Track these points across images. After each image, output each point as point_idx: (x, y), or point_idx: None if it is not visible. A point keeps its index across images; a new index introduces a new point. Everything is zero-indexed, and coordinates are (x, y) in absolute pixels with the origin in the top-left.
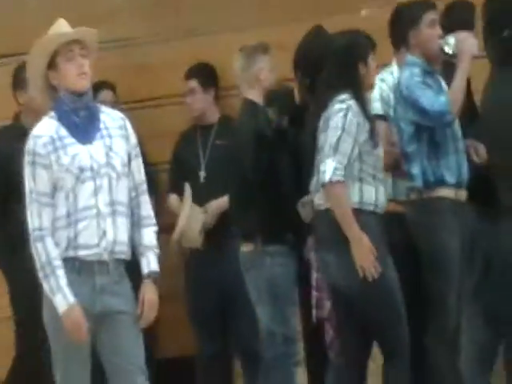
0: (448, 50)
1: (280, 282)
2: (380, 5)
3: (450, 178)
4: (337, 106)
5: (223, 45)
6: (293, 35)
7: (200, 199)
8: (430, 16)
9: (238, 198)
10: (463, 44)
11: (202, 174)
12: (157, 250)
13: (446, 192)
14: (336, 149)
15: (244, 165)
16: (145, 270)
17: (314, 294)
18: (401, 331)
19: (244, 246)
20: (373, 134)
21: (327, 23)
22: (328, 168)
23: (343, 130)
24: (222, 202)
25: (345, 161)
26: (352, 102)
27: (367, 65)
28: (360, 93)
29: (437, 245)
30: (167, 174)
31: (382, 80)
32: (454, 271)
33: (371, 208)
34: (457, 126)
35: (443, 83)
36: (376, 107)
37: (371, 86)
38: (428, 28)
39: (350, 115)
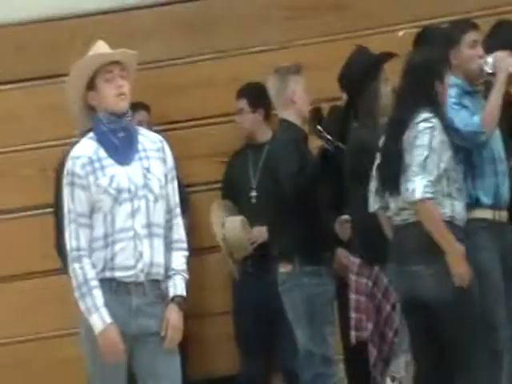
0: (487, 69)
1: (317, 301)
2: (416, 26)
3: (486, 200)
4: (422, 125)
5: (258, 64)
6: (326, 55)
7: (251, 220)
8: (471, 37)
9: (275, 219)
10: (500, 63)
11: (253, 194)
12: (185, 275)
13: (482, 213)
14: (424, 167)
15: (282, 185)
16: (171, 292)
17: (353, 315)
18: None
19: (282, 266)
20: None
21: (361, 43)
22: (418, 186)
23: (430, 148)
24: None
25: (433, 178)
26: (435, 121)
27: (443, 82)
28: (441, 110)
29: (478, 265)
30: (201, 195)
31: None
32: (500, 290)
33: (460, 223)
34: (498, 147)
35: (484, 103)
36: None
37: (444, 104)
38: (468, 48)
39: (435, 134)
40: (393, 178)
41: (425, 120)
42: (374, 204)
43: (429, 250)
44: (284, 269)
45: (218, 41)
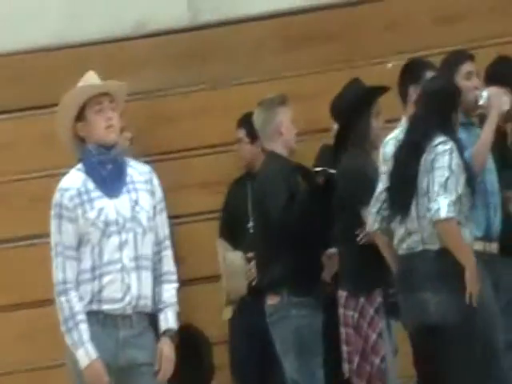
0: (481, 102)
1: (305, 333)
2: (406, 58)
3: (477, 232)
4: (440, 147)
5: (251, 95)
6: (319, 86)
7: (250, 249)
8: (467, 68)
9: (264, 250)
10: (494, 99)
11: (251, 224)
12: (176, 307)
13: (473, 245)
14: (445, 187)
15: (271, 217)
16: (162, 326)
17: (345, 348)
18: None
19: (269, 298)
20: (471, 176)
21: (352, 74)
22: (442, 205)
23: (450, 169)
24: None
25: (454, 198)
26: (452, 143)
27: (457, 111)
28: (457, 136)
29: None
30: (192, 225)
31: (398, 140)
32: (497, 315)
33: None
34: (491, 178)
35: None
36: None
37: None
38: (464, 79)
39: (454, 155)
40: (405, 202)
41: (442, 143)
42: (373, 224)
43: (436, 277)
44: (271, 301)
45: (211, 71)
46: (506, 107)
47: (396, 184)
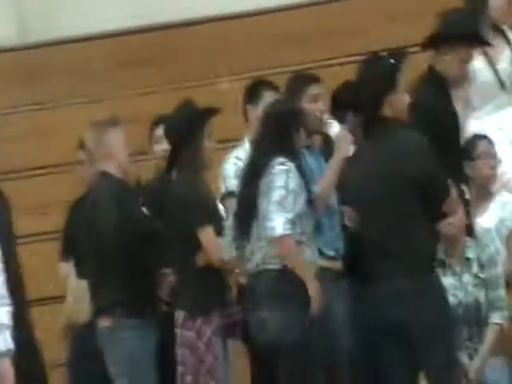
0: (329, 131)
1: (139, 355)
2: (239, 78)
3: (327, 251)
4: (278, 168)
5: (80, 115)
6: (148, 107)
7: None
8: (313, 90)
9: (95, 272)
10: (341, 144)
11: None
12: (11, 328)
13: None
14: (282, 206)
15: (103, 238)
16: (1, 347)
17: (180, 369)
18: None
19: (102, 320)
20: (311, 196)
21: (185, 96)
22: (277, 223)
23: (287, 189)
24: None
25: (291, 217)
26: (291, 164)
27: (299, 131)
28: (298, 157)
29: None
30: (32, 246)
31: (238, 158)
32: (340, 334)
33: None
34: (333, 199)
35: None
36: (232, 184)
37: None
38: (309, 102)
39: (291, 175)
40: (247, 224)
41: (280, 163)
42: (230, 252)
43: (275, 296)
44: (104, 323)
45: (36, 93)
46: (348, 153)
47: (240, 207)
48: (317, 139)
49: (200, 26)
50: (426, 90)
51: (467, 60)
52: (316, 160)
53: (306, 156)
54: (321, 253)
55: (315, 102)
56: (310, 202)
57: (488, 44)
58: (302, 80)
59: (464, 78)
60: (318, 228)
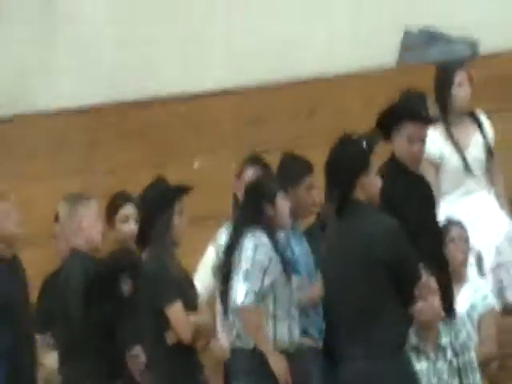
0: None
1: None
2: (212, 158)
3: (313, 331)
4: (247, 241)
5: (53, 190)
6: (123, 183)
7: None
8: (310, 179)
9: (65, 347)
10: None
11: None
12: None
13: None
14: (247, 277)
15: (70, 313)
16: None
17: None
18: None
19: None
20: (286, 267)
21: (158, 172)
22: (239, 293)
23: (253, 261)
24: None
25: (256, 289)
26: (264, 238)
27: (274, 205)
28: (272, 232)
29: None
30: None
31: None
32: None
33: (284, 346)
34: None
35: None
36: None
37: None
38: (306, 190)
39: (260, 249)
40: (225, 297)
41: (251, 236)
42: (221, 328)
43: (248, 371)
44: None
45: (11, 165)
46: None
47: (221, 280)
48: (302, 224)
49: (176, 103)
50: (388, 176)
51: (414, 139)
52: (299, 244)
53: (290, 236)
54: (306, 332)
55: (311, 190)
56: (287, 274)
57: (432, 122)
58: (301, 166)
59: (414, 158)
60: (304, 313)
